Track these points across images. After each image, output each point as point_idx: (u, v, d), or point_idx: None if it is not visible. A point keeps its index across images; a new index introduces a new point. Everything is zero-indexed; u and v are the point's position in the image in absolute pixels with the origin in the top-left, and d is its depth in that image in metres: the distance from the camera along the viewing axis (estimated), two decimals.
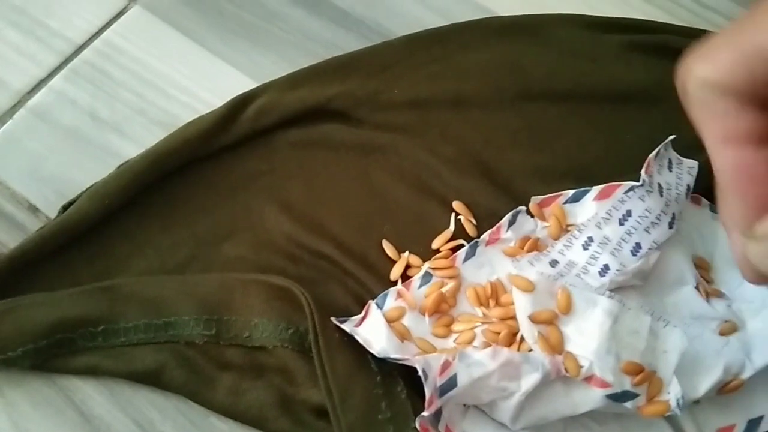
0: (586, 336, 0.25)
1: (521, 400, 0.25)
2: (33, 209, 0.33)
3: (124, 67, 0.36)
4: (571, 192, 0.30)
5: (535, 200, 0.31)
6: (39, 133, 0.34)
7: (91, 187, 0.31)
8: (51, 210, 0.32)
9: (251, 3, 0.38)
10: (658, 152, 0.29)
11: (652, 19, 0.37)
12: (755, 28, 0.16)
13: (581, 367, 0.25)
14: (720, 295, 0.29)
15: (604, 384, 0.25)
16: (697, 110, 0.17)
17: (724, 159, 0.17)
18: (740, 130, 0.16)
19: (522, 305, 0.26)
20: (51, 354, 0.29)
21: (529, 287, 0.26)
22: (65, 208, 0.31)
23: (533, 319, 0.26)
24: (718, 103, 0.16)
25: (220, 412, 0.28)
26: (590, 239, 0.28)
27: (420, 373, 0.25)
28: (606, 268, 0.27)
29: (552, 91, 0.34)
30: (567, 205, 0.30)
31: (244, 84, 0.35)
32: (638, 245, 0.27)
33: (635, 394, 0.25)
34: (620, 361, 0.25)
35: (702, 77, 0.17)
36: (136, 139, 0.34)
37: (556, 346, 0.26)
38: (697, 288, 0.28)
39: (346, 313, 0.29)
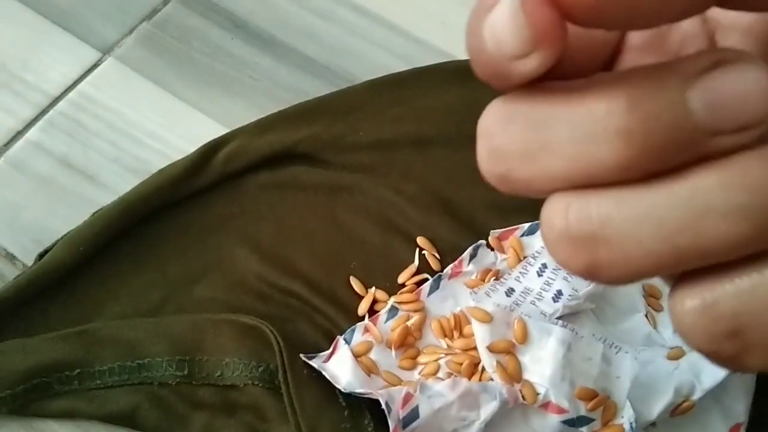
0: (542, 364, 0.26)
1: (481, 428, 0.26)
2: (10, 257, 0.34)
3: (99, 117, 0.37)
4: (527, 225, 0.32)
5: (494, 234, 0.32)
6: (16, 183, 0.36)
7: (66, 234, 0.32)
8: (28, 257, 0.33)
9: (221, 53, 0.40)
10: None
11: None
12: None
13: (538, 394, 0.26)
14: (670, 323, 0.30)
15: (560, 410, 0.26)
16: None
17: None
18: None
19: (481, 336, 0.28)
20: (28, 398, 0.29)
21: (486, 318, 0.27)
22: (41, 255, 0.32)
23: (491, 349, 0.27)
24: None
25: None
26: (544, 266, 0.29)
27: (383, 406, 0.26)
28: (559, 293, 0.29)
29: None
30: (524, 237, 0.32)
31: (215, 130, 0.36)
32: None
33: (590, 418, 0.26)
34: (575, 388, 0.26)
35: None
36: (111, 187, 0.35)
37: (514, 375, 0.27)
38: (646, 316, 0.29)
39: (316, 349, 0.30)
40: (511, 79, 0.11)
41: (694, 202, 0.11)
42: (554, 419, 0.26)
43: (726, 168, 0.11)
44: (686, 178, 0.11)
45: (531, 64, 0.11)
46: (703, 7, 0.11)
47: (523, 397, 0.26)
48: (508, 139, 0.12)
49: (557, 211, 0.12)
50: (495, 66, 0.11)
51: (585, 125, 0.11)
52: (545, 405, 0.26)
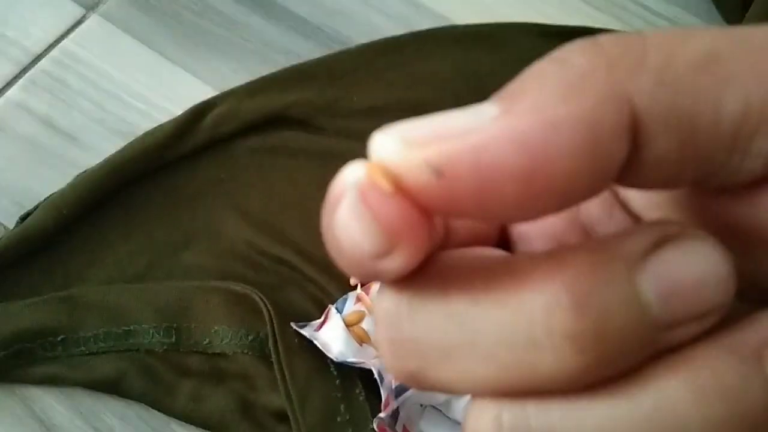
0: None
1: None
2: None
3: (82, 76, 0.36)
4: None
5: None
6: None
7: (49, 197, 0.31)
8: (9, 220, 0.32)
9: (210, 11, 0.38)
10: None
11: (603, 27, 0.38)
12: None
13: None
14: None
15: None
16: None
17: None
18: None
19: None
20: (10, 364, 0.29)
21: None
22: (23, 218, 0.31)
23: None
24: None
25: (181, 419, 0.29)
26: None
27: (376, 375, 0.25)
28: None
29: None
30: None
31: (203, 92, 0.35)
32: None
33: None
34: None
35: None
36: (95, 149, 0.34)
37: None
38: None
39: (307, 318, 0.30)
40: (382, 278, 0.10)
41: (662, 413, 0.09)
42: None
43: (691, 369, 0.09)
44: (647, 382, 0.09)
45: (395, 264, 0.09)
46: (574, 203, 0.09)
47: None
48: (418, 330, 0.10)
49: (486, 420, 0.09)
50: (358, 267, 0.09)
51: (518, 325, 0.09)
52: None
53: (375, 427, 0.26)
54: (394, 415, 0.26)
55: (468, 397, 0.25)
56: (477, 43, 0.37)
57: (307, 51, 0.37)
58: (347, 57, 0.37)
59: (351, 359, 0.27)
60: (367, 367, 0.26)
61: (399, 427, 0.27)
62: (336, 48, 0.37)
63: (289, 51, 0.37)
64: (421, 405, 0.28)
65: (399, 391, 0.26)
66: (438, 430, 0.27)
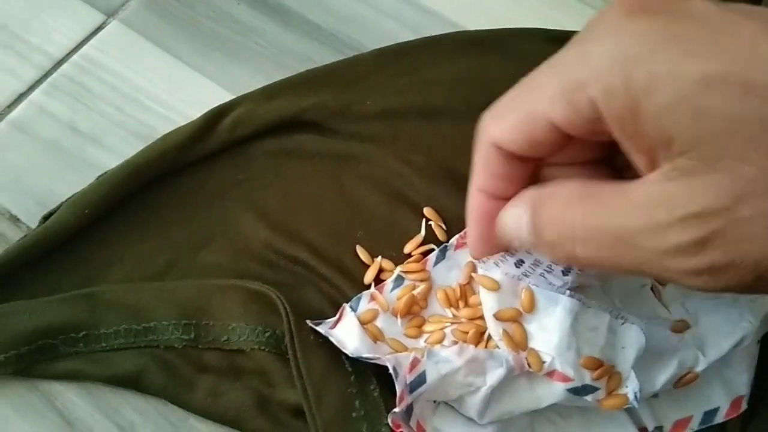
0: (548, 332, 0.27)
1: (487, 394, 0.26)
2: (14, 219, 0.33)
3: (103, 80, 0.37)
4: None
5: None
6: (19, 146, 0.35)
7: (70, 197, 0.32)
8: (32, 220, 0.33)
9: (227, 18, 0.39)
10: None
11: None
12: (532, 94, 0.20)
13: (543, 362, 0.26)
14: (675, 296, 0.30)
15: (565, 378, 0.26)
16: (477, 157, 0.23)
17: (473, 201, 0.23)
18: (489, 186, 0.23)
19: (488, 304, 0.28)
20: (33, 360, 0.29)
21: (494, 286, 0.27)
22: (45, 218, 0.32)
23: (498, 317, 0.27)
24: (491, 159, 0.22)
25: (200, 414, 0.29)
26: None
27: (391, 370, 0.26)
28: (569, 267, 0.29)
29: None
30: None
31: (221, 96, 0.36)
32: None
33: (595, 387, 0.26)
34: (580, 357, 0.26)
35: (491, 136, 0.21)
36: (115, 151, 0.35)
37: (520, 343, 0.27)
38: (652, 289, 0.29)
39: (322, 316, 0.30)
40: None
41: None
42: (559, 387, 0.26)
43: None
44: None
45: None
46: None
47: (528, 364, 0.26)
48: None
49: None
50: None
51: None
52: (551, 373, 0.26)
53: (389, 423, 0.26)
54: (408, 410, 0.27)
55: (481, 394, 0.26)
56: (486, 48, 0.38)
57: (321, 56, 0.38)
58: (360, 62, 0.37)
59: (366, 355, 0.28)
60: (382, 362, 0.27)
61: (413, 423, 0.27)
62: (349, 53, 0.38)
63: (305, 57, 0.38)
64: (435, 402, 0.28)
65: (413, 386, 0.26)
66: (451, 426, 0.28)
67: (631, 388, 0.27)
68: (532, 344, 0.27)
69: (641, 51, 0.17)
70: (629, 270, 0.19)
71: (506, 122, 0.21)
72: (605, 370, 0.27)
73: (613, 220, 0.19)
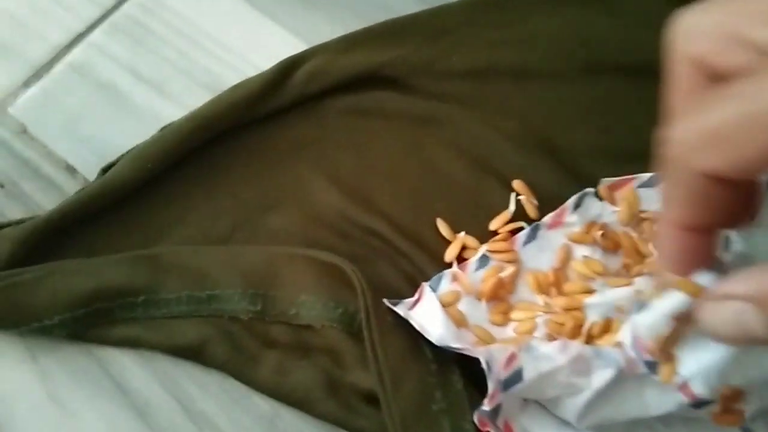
0: (710, 351, 0.22)
1: (590, 397, 0.23)
2: (71, 170, 0.31)
3: (168, 23, 0.34)
4: (647, 176, 0.28)
5: (605, 182, 0.29)
6: (77, 89, 0.33)
7: (132, 149, 0.30)
8: (89, 171, 0.31)
9: None
10: None
11: None
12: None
13: (677, 374, 0.22)
14: None
15: (694, 396, 0.23)
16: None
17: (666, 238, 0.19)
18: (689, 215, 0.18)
19: (671, 304, 0.23)
20: (88, 324, 0.27)
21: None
22: (105, 170, 0.30)
23: (674, 317, 0.23)
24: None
25: (264, 392, 0.27)
26: None
27: (483, 365, 0.23)
28: None
29: (625, 65, 0.32)
30: (641, 189, 0.28)
31: (294, 46, 0.33)
32: None
33: (713, 401, 0.23)
34: (725, 384, 0.23)
35: (686, 26, 0.17)
36: (178, 100, 0.32)
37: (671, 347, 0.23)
38: None
39: (398, 295, 0.27)
40: None
41: None
42: (674, 398, 0.23)
43: None
44: None
45: None
46: None
47: (656, 372, 0.23)
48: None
49: None
50: None
51: None
52: (681, 386, 0.23)
53: (475, 420, 0.24)
54: (496, 408, 0.24)
55: (584, 397, 0.22)
56: (589, 1, 0.34)
57: (404, 6, 0.34)
58: (447, 13, 0.34)
59: (453, 344, 0.25)
60: (471, 354, 0.24)
61: (500, 422, 0.24)
62: (436, 2, 0.34)
63: (385, 5, 0.35)
64: (524, 399, 0.25)
65: (508, 384, 0.23)
66: (542, 428, 0.25)
67: (752, 406, 0.23)
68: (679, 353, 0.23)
69: None
70: None
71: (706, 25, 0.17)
72: (736, 393, 0.23)
73: None
